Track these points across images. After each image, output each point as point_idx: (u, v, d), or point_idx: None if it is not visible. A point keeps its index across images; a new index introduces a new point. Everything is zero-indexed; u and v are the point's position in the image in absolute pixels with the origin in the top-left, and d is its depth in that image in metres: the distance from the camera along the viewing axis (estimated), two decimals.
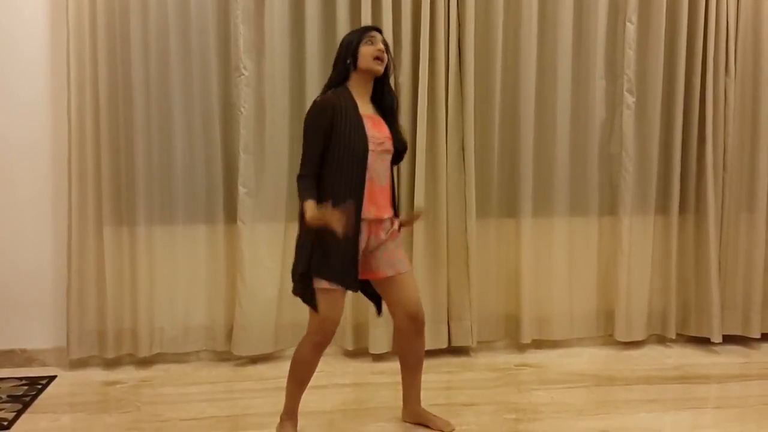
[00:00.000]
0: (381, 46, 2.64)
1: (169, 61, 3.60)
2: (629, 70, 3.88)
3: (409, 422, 2.93)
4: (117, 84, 3.56)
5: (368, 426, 2.99)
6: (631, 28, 3.87)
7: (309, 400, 3.23)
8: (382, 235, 2.69)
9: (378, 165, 2.63)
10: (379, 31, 2.73)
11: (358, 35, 2.66)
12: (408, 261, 2.84)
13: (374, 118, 2.68)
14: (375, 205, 2.64)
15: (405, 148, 2.79)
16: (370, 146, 2.59)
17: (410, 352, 2.82)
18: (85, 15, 3.49)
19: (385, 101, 2.73)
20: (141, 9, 3.54)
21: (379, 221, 2.68)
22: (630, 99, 3.89)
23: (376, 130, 2.64)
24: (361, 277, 2.68)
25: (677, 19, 3.89)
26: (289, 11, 3.67)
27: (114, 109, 3.57)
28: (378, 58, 2.62)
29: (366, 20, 3.60)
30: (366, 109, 2.66)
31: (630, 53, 3.88)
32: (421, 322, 2.75)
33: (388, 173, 2.70)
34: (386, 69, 2.69)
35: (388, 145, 2.67)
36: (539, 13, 3.83)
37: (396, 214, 2.78)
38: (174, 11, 3.59)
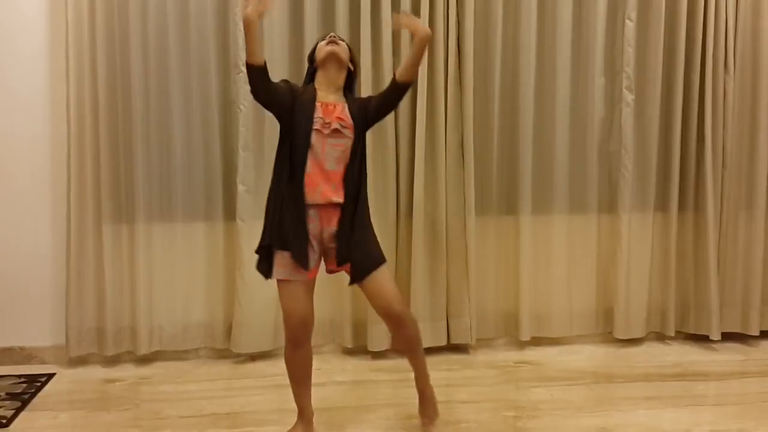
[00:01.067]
0: (333, 37, 2.75)
1: (168, 58, 3.60)
2: (628, 68, 3.88)
3: None
4: (116, 81, 3.56)
5: (367, 423, 3.00)
6: (630, 26, 3.86)
7: None
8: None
9: (327, 148, 2.63)
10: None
11: (319, 41, 2.83)
12: (371, 261, 2.70)
13: (332, 104, 2.69)
14: (320, 188, 2.61)
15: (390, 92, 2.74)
16: (315, 126, 2.61)
17: (399, 340, 2.84)
18: (84, 11, 3.49)
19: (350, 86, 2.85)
20: (140, 6, 3.53)
21: (332, 207, 2.65)
22: (629, 96, 3.89)
23: (326, 113, 2.65)
24: (328, 267, 2.75)
25: (676, 16, 3.88)
26: (289, 8, 3.67)
27: (113, 107, 3.56)
28: (329, 43, 2.72)
29: (365, 14, 3.61)
30: (327, 97, 2.70)
31: (629, 51, 3.87)
32: (396, 315, 2.68)
33: (343, 158, 2.66)
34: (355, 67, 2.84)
35: (338, 125, 2.64)
36: (538, 10, 3.83)
37: (355, 203, 2.68)
38: (173, 8, 3.59)
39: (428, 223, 3.76)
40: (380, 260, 2.69)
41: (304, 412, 2.80)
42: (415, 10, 3.66)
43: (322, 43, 2.76)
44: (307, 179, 2.59)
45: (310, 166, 2.60)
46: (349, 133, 2.67)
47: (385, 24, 3.63)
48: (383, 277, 2.69)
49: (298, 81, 3.65)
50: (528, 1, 3.78)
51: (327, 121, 2.63)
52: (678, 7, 3.87)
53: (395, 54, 3.68)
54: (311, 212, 2.62)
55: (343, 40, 2.79)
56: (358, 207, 2.67)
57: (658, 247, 4.04)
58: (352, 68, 2.83)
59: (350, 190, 2.65)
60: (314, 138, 2.60)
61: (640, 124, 3.94)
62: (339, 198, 2.64)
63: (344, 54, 2.74)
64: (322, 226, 2.65)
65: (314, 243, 2.64)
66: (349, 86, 2.83)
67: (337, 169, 2.65)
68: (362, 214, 2.68)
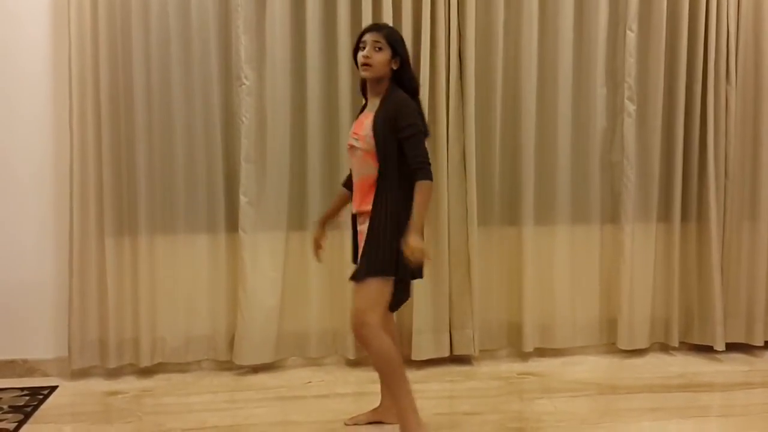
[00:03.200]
0: (367, 51, 2.67)
1: (171, 71, 3.61)
2: (630, 78, 3.89)
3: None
4: (119, 94, 3.57)
5: None
6: (631, 36, 3.87)
7: (310, 410, 3.26)
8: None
9: (353, 160, 2.78)
10: (376, 27, 2.76)
11: (356, 41, 2.78)
12: (363, 271, 2.67)
13: (365, 116, 2.75)
14: (354, 199, 2.80)
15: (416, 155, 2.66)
16: (349, 141, 2.79)
17: None
18: (87, 26, 3.51)
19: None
20: (143, 19, 3.55)
21: (357, 216, 2.80)
22: (631, 107, 3.89)
23: (355, 126, 2.78)
24: None
25: (678, 26, 3.89)
26: (290, 21, 3.68)
27: (116, 119, 3.58)
28: (364, 65, 2.68)
29: (366, 15, 3.63)
30: (372, 107, 2.73)
31: (631, 61, 3.88)
32: (354, 330, 2.72)
33: (363, 168, 2.72)
34: (401, 61, 2.71)
35: (353, 141, 2.75)
36: (540, 21, 3.84)
37: (372, 212, 2.67)
38: (175, 21, 3.60)
39: (431, 234, 3.75)
40: (368, 274, 2.62)
41: (381, 400, 3.00)
42: (417, 22, 3.68)
43: (360, 54, 2.70)
44: (353, 191, 2.82)
45: (353, 179, 2.82)
46: (361, 144, 2.70)
47: (385, 17, 3.63)
48: (359, 290, 2.67)
49: (300, 90, 3.70)
50: (529, 13, 3.79)
51: (352, 135, 2.78)
52: (679, 18, 3.88)
53: None
54: (355, 221, 2.82)
55: (381, 29, 2.72)
56: (373, 217, 2.66)
57: (661, 258, 4.03)
58: (395, 67, 2.71)
59: (366, 199, 2.71)
60: (348, 153, 2.82)
61: (642, 134, 3.94)
62: (355, 208, 2.79)
63: (377, 63, 2.66)
64: (353, 230, 2.86)
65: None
66: (399, 80, 2.72)
67: (359, 179, 2.75)
68: (375, 223, 2.64)
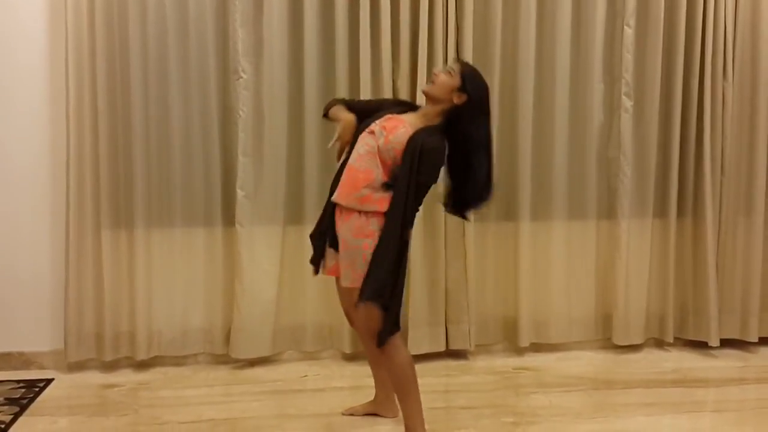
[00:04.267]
0: (437, 70, 2.74)
1: (168, 65, 3.60)
2: (627, 74, 3.89)
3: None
4: (115, 87, 3.56)
5: (366, 429, 2.99)
6: (629, 32, 3.87)
7: (306, 403, 3.27)
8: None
9: (359, 145, 2.69)
10: (458, 59, 2.95)
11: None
12: (347, 278, 2.69)
13: (405, 124, 2.66)
14: (340, 188, 2.71)
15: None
16: (372, 127, 2.67)
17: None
18: (84, 19, 3.48)
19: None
20: (139, 13, 3.53)
21: (340, 209, 2.70)
22: (628, 103, 3.90)
23: (388, 121, 2.68)
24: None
25: (675, 23, 3.89)
26: (288, 14, 3.67)
27: (112, 112, 3.56)
28: (430, 81, 2.72)
29: (364, 25, 3.61)
30: (414, 122, 2.68)
31: (628, 57, 3.88)
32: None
33: (366, 162, 2.65)
34: (468, 100, 2.65)
35: (377, 130, 2.65)
36: (537, 16, 3.83)
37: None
38: (172, 15, 3.58)
39: (427, 229, 3.76)
40: (369, 299, 2.58)
41: (375, 393, 3.04)
42: (414, 16, 3.67)
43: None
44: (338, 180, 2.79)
45: (346, 165, 2.77)
46: (383, 143, 2.64)
47: (383, 31, 3.63)
48: (368, 311, 2.66)
49: (297, 84, 3.70)
50: (527, 8, 3.79)
51: (380, 126, 2.69)
52: (676, 14, 3.88)
53: (394, 59, 3.69)
54: (331, 210, 2.81)
55: (460, 62, 2.85)
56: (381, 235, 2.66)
57: (656, 254, 4.04)
58: (457, 101, 2.66)
59: (351, 195, 2.71)
60: (359, 136, 2.77)
61: (639, 130, 3.94)
62: (339, 199, 2.75)
63: (439, 83, 2.66)
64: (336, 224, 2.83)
65: None
66: (458, 119, 2.67)
67: (354, 170, 2.72)
68: (384, 242, 2.64)
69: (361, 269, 2.59)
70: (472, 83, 2.66)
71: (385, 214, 2.59)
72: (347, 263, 2.66)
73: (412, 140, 2.57)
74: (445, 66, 2.72)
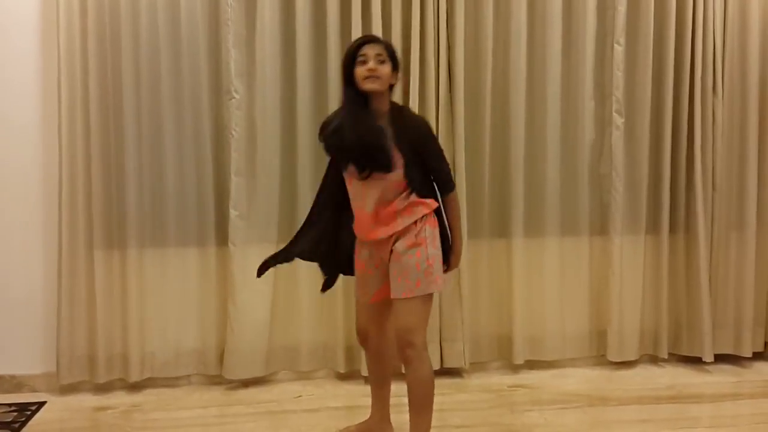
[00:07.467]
0: (373, 64, 2.57)
1: (161, 85, 3.61)
2: (618, 92, 3.91)
3: None
4: (108, 106, 3.56)
5: None
6: (619, 50, 3.90)
7: (301, 424, 3.25)
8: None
9: (371, 186, 2.67)
10: (374, 39, 2.69)
11: (352, 54, 2.62)
12: (401, 289, 2.65)
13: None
14: (375, 227, 2.70)
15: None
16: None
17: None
18: (76, 38, 3.50)
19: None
20: (132, 32, 3.54)
21: (388, 239, 2.69)
22: (619, 120, 3.92)
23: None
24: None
25: (665, 40, 3.93)
26: (280, 35, 3.69)
27: (105, 132, 3.56)
28: (371, 77, 2.57)
29: (356, 19, 3.63)
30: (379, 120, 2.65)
31: (618, 74, 3.91)
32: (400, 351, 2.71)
33: (389, 194, 2.65)
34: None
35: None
36: (528, 34, 3.86)
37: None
38: (165, 35, 3.60)
39: None
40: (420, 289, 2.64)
41: (371, 413, 3.00)
42: (406, 34, 3.69)
43: (361, 68, 2.58)
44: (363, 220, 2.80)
45: (365, 207, 2.77)
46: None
47: (375, 29, 3.64)
48: (405, 307, 2.69)
49: (290, 103, 3.71)
50: (518, 26, 3.82)
51: None
52: (666, 31, 3.92)
53: None
54: (373, 247, 2.81)
55: (380, 41, 2.67)
56: (419, 231, 2.72)
57: (649, 269, 4.05)
58: (394, 82, 2.67)
59: (393, 223, 2.73)
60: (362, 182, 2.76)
61: (630, 147, 3.97)
62: (383, 234, 2.71)
63: (384, 75, 2.60)
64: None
65: None
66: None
67: (380, 206, 2.72)
68: (422, 235, 2.69)
69: (416, 278, 2.59)
70: (396, 56, 2.68)
71: (439, 191, 2.72)
72: (400, 275, 2.62)
73: (399, 138, 2.60)
74: (373, 58, 2.55)
